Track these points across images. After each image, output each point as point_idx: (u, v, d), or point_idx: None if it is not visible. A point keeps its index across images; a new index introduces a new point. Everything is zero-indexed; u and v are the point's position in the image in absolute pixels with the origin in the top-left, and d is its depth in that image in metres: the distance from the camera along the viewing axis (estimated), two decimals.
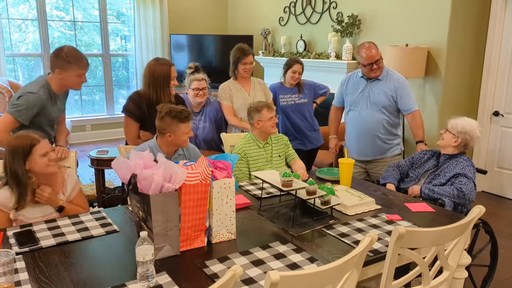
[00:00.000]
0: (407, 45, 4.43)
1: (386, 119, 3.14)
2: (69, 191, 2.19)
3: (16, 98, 2.51)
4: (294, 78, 3.66)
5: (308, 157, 3.82)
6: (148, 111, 2.77)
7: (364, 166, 3.30)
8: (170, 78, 2.79)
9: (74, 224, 1.93)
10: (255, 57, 6.08)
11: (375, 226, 1.97)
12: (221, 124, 3.42)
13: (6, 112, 2.51)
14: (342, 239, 1.83)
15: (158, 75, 2.76)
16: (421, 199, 2.55)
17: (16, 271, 1.51)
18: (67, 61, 2.50)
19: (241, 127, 3.36)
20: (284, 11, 6.11)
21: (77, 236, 1.80)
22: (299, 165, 2.81)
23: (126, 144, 2.89)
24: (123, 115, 2.87)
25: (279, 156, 2.86)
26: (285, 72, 3.70)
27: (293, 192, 2.03)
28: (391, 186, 2.74)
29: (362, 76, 3.19)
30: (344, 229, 1.93)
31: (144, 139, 2.78)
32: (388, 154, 3.21)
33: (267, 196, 2.35)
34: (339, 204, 2.11)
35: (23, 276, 1.49)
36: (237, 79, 3.48)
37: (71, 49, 2.57)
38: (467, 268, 2.21)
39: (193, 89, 3.19)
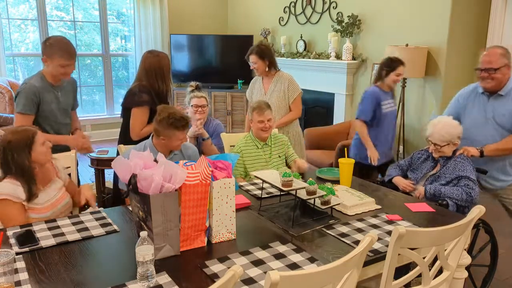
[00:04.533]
0: (407, 45, 4.43)
1: None
2: (64, 175, 2.28)
3: (15, 96, 2.59)
4: (397, 82, 3.31)
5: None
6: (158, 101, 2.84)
7: (496, 193, 2.88)
8: (164, 68, 2.93)
9: (74, 224, 1.93)
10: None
11: (375, 226, 1.97)
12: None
13: (15, 113, 2.58)
14: (342, 239, 1.83)
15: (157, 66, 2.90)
16: (424, 199, 2.55)
17: (16, 271, 1.51)
18: (51, 49, 2.54)
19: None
20: (284, 11, 6.11)
21: (77, 236, 1.80)
22: (299, 163, 2.78)
23: (125, 143, 2.88)
24: (135, 109, 2.85)
25: (279, 156, 2.86)
26: (385, 74, 3.27)
27: (293, 192, 2.03)
28: (399, 178, 2.74)
29: (482, 93, 2.77)
30: (344, 229, 1.93)
31: (148, 130, 2.82)
32: None
33: (267, 196, 2.35)
34: (339, 204, 2.11)
35: (23, 276, 1.49)
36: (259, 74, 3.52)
37: (59, 39, 2.60)
38: (467, 268, 2.21)
39: (192, 106, 3.20)
